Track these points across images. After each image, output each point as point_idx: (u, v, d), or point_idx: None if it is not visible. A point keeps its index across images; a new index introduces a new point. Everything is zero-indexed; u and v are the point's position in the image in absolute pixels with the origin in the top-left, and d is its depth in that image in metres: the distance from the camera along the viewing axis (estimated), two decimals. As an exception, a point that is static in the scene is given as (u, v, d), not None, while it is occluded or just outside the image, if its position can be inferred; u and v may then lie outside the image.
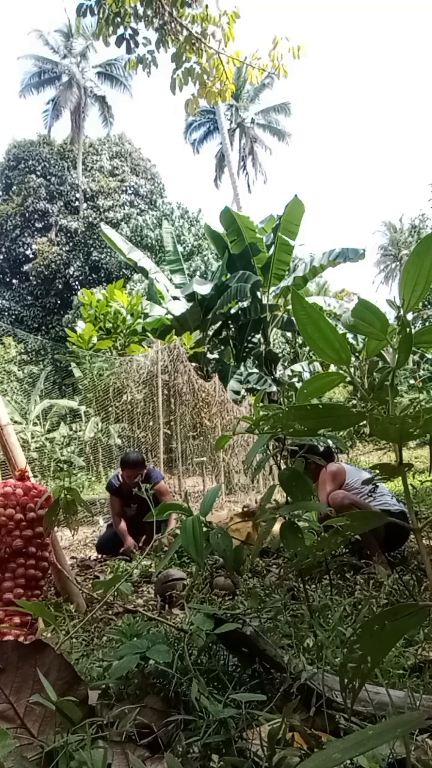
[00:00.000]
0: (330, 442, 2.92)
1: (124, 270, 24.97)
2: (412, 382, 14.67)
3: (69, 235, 28.70)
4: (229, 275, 11.32)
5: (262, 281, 11.44)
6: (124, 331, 11.12)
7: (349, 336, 9.65)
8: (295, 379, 12.26)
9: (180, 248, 14.09)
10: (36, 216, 29.40)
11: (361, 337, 11.09)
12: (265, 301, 11.84)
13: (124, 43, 4.89)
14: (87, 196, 29.64)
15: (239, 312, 12.05)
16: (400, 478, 1.04)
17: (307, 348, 14.89)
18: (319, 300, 12.20)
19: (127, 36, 4.88)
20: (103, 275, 26.92)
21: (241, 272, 10.84)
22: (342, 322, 1.19)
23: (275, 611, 1.64)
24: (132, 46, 4.91)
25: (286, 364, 14.68)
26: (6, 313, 27.18)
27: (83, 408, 11.29)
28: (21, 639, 1.83)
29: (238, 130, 31.71)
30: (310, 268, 11.46)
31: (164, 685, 1.25)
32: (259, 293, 11.81)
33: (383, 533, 2.84)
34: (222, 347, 12.62)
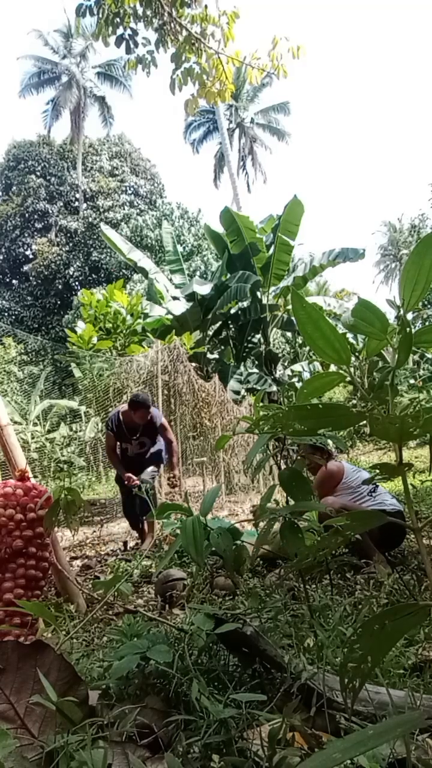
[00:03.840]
0: (330, 442, 2.92)
1: (124, 270, 24.97)
2: (412, 381, 14.66)
3: (69, 235, 28.69)
4: (228, 275, 11.31)
5: (262, 281, 11.44)
6: (124, 332, 11.11)
7: (349, 336, 9.65)
8: (295, 379, 12.26)
9: (180, 248, 14.09)
10: (36, 216, 29.39)
11: (361, 337, 11.09)
12: (265, 301, 11.84)
13: (124, 44, 4.89)
14: (87, 196, 29.64)
15: (239, 312, 12.05)
16: (400, 477, 1.04)
17: (307, 348, 14.89)
18: (319, 300, 12.19)
19: (127, 36, 4.88)
20: (103, 275, 26.92)
21: (240, 272, 10.84)
22: (342, 321, 1.19)
23: (275, 611, 1.64)
24: (131, 46, 4.91)
25: (286, 364, 14.68)
26: (6, 314, 27.17)
27: (83, 408, 11.29)
28: (21, 639, 1.83)
29: (237, 130, 31.71)
30: (310, 268, 11.46)
31: (164, 685, 1.25)
32: (259, 293, 11.81)
33: (378, 533, 2.85)
34: (222, 347, 12.62)
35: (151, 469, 4.38)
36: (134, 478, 4.16)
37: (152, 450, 4.41)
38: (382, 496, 3.06)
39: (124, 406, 4.32)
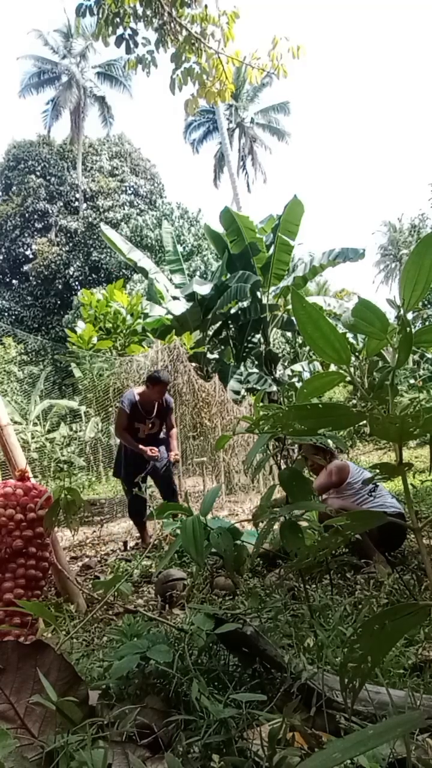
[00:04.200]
0: (330, 442, 2.92)
1: (124, 270, 24.97)
2: (412, 381, 14.66)
3: (69, 235, 28.69)
4: (228, 275, 11.31)
5: (262, 281, 11.44)
6: (124, 332, 11.11)
7: (349, 336, 9.65)
8: (295, 379, 12.26)
9: (180, 248, 14.09)
10: (36, 216, 29.39)
11: (361, 337, 11.09)
12: (265, 301, 11.84)
13: (124, 44, 4.89)
14: (87, 196, 29.64)
15: (239, 312, 12.04)
16: (400, 477, 1.04)
17: (307, 348, 14.89)
18: (319, 300, 12.19)
19: (127, 36, 4.88)
20: (103, 275, 26.92)
21: (240, 272, 10.84)
22: (342, 321, 1.19)
23: (275, 611, 1.64)
24: (131, 46, 4.91)
25: (286, 364, 14.68)
26: (6, 314, 27.17)
27: (83, 408, 11.29)
28: (21, 639, 1.83)
29: (237, 130, 31.71)
30: (310, 267, 11.46)
31: (165, 685, 1.25)
32: (259, 293, 11.81)
33: (378, 533, 2.85)
34: (222, 347, 12.61)
35: (172, 454, 4.49)
36: (156, 450, 4.26)
37: (161, 433, 4.51)
38: (383, 497, 3.06)
39: (140, 388, 4.43)
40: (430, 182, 20.49)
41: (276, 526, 1.70)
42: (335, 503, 3.00)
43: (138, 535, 4.73)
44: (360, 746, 0.55)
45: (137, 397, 4.32)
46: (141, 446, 4.25)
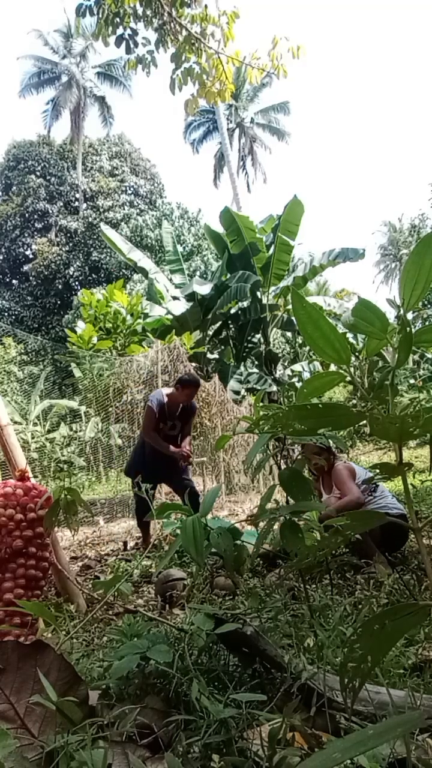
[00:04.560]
0: (330, 441, 2.92)
1: (123, 270, 24.97)
2: (412, 381, 14.67)
3: (69, 235, 28.70)
4: (228, 275, 11.31)
5: (262, 281, 11.44)
6: (124, 332, 11.11)
7: (349, 336, 9.64)
8: (295, 379, 12.26)
9: (180, 248, 14.09)
10: (36, 216, 29.39)
11: (361, 337, 11.09)
12: (265, 301, 11.84)
13: (124, 44, 4.89)
14: (87, 196, 29.64)
15: (239, 312, 12.04)
16: (400, 477, 1.04)
17: (307, 348, 14.89)
18: (319, 300, 12.19)
19: (127, 36, 4.88)
20: (103, 275, 26.92)
21: (240, 272, 10.84)
22: (342, 321, 1.19)
23: (276, 611, 1.64)
24: (131, 46, 4.91)
25: (286, 364, 14.67)
26: (6, 314, 27.17)
27: (83, 408, 11.28)
28: (21, 639, 1.83)
29: (237, 130, 31.71)
30: (310, 267, 11.46)
31: (165, 685, 1.25)
32: (259, 293, 11.81)
33: (379, 534, 2.85)
34: (222, 347, 12.61)
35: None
36: (189, 452, 4.28)
37: (182, 434, 4.50)
38: (385, 498, 3.06)
39: (167, 389, 4.40)
40: (430, 182, 20.49)
41: (276, 526, 1.70)
42: (334, 504, 2.99)
43: (138, 535, 4.73)
44: (360, 746, 0.55)
45: (165, 398, 4.28)
46: (173, 448, 4.23)
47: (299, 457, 2.30)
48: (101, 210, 28.36)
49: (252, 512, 4.15)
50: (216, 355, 12.41)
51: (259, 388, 10.74)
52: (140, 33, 4.92)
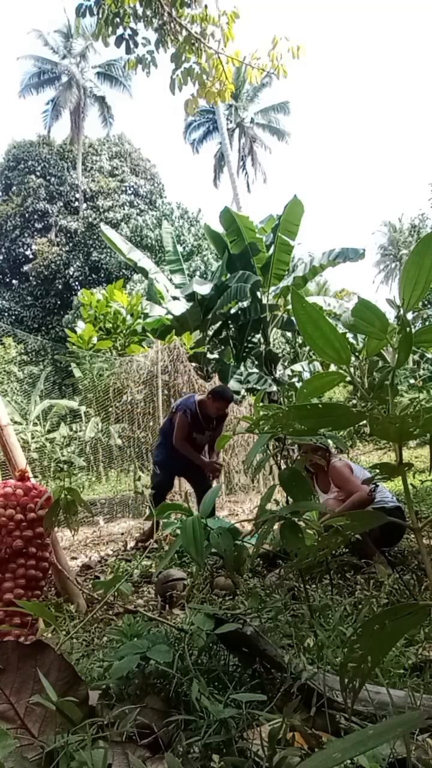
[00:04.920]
0: (330, 441, 2.92)
1: (123, 270, 24.96)
2: (412, 381, 14.67)
3: (69, 235, 28.69)
4: (228, 275, 11.31)
5: (262, 281, 11.44)
6: (124, 332, 11.11)
7: (349, 336, 9.64)
8: (295, 379, 12.26)
9: (180, 248, 14.09)
10: (36, 216, 29.39)
11: (361, 337, 11.08)
12: (265, 301, 11.84)
13: (124, 44, 4.89)
14: (87, 196, 29.63)
15: (239, 312, 12.04)
16: (400, 477, 1.04)
17: (307, 348, 14.89)
18: (319, 300, 12.19)
19: (127, 36, 4.88)
20: (103, 275, 26.92)
21: (240, 272, 10.84)
22: (342, 321, 1.19)
23: (276, 611, 1.64)
24: (131, 46, 4.91)
25: (286, 364, 14.67)
26: (6, 314, 27.17)
27: (83, 408, 11.27)
28: (21, 639, 1.83)
29: (237, 130, 31.70)
30: (310, 267, 11.46)
31: (165, 686, 1.25)
32: (259, 293, 11.81)
33: (378, 530, 2.84)
34: (222, 347, 12.61)
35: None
36: (221, 464, 4.32)
37: (211, 443, 4.50)
38: (381, 492, 3.05)
39: (198, 396, 4.39)
40: (430, 182, 20.49)
41: (276, 527, 1.70)
42: (334, 504, 2.99)
43: (137, 534, 4.73)
44: (360, 746, 0.55)
45: (197, 407, 4.25)
46: (203, 459, 4.24)
47: (299, 456, 2.30)
48: (101, 210, 28.36)
49: (252, 512, 4.17)
50: (216, 355, 12.41)
51: (259, 388, 10.74)
52: (140, 33, 4.93)
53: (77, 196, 29.95)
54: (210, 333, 12.32)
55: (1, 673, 1.09)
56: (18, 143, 29.69)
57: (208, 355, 12.09)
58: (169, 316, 10.73)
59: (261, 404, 1.80)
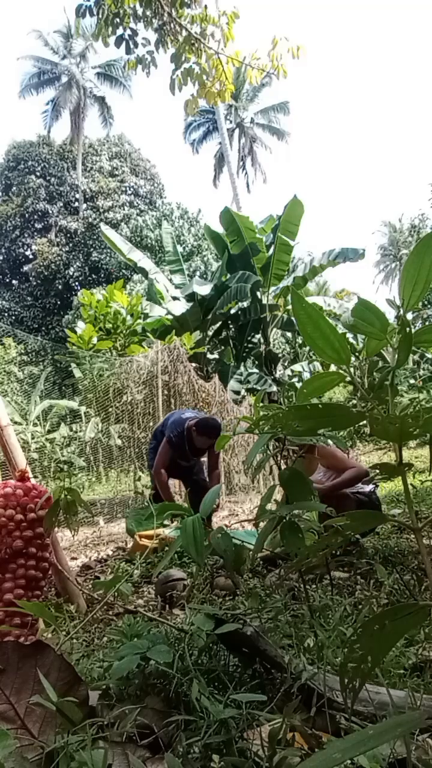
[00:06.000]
0: (329, 441, 2.92)
1: (123, 270, 24.97)
2: (412, 381, 14.67)
3: (69, 235, 28.70)
4: (228, 275, 11.31)
5: (262, 281, 11.44)
6: (124, 332, 11.10)
7: (349, 336, 9.64)
8: (295, 379, 12.26)
9: (180, 248, 14.09)
10: (36, 217, 29.40)
11: (361, 337, 11.08)
12: (265, 301, 11.84)
13: (124, 44, 4.90)
14: (87, 196, 29.64)
15: (239, 312, 12.04)
16: (400, 477, 1.04)
17: (307, 348, 14.88)
18: (319, 300, 12.19)
19: (127, 36, 4.88)
20: (102, 276, 26.93)
21: (240, 272, 10.84)
22: (342, 321, 1.19)
23: (276, 611, 1.64)
24: (131, 46, 4.92)
25: (286, 364, 14.68)
26: (6, 314, 27.17)
27: (83, 408, 11.28)
28: (21, 639, 1.83)
29: (237, 130, 31.72)
30: (310, 268, 11.46)
31: (165, 686, 1.25)
32: (259, 293, 11.81)
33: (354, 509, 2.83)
34: (222, 347, 12.61)
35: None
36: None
37: (208, 466, 4.43)
38: None
39: (193, 416, 4.22)
40: (430, 182, 20.48)
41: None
42: (326, 485, 2.98)
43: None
44: (360, 746, 0.55)
45: (187, 434, 4.10)
46: (171, 493, 4.22)
47: (299, 456, 2.30)
48: (101, 210, 28.37)
49: (252, 512, 4.17)
50: (216, 356, 12.41)
51: (259, 388, 10.75)
52: (140, 33, 4.93)
53: (77, 196, 29.96)
54: (210, 333, 12.32)
55: (1, 674, 1.09)
56: (18, 143, 29.70)
57: (208, 356, 12.10)
58: (169, 317, 10.73)
59: (261, 404, 1.80)
